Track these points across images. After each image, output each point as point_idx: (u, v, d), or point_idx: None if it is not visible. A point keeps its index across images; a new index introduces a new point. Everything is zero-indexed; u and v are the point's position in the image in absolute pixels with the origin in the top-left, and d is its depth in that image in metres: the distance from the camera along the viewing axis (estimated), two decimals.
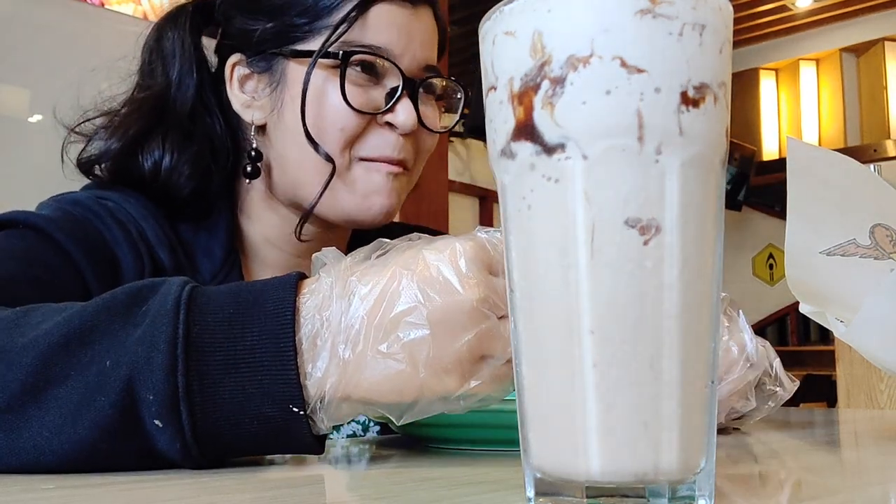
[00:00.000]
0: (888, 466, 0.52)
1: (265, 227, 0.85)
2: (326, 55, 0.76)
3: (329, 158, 0.77)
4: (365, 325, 0.46)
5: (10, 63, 1.94)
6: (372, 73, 0.78)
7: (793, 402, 0.75)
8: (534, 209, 0.33)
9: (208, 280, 0.79)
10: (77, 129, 0.81)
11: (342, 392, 0.46)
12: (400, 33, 0.79)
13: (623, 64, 0.31)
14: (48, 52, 1.95)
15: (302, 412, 0.46)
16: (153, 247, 0.76)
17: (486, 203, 5.16)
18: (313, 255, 0.52)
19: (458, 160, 5.03)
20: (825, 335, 5.40)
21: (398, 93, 0.78)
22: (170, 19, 0.85)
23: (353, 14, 0.76)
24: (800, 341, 5.82)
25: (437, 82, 0.84)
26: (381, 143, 0.79)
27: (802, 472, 0.49)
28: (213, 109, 0.84)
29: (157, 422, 0.46)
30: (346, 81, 0.76)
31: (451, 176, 3.73)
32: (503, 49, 0.34)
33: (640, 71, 0.31)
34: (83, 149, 0.81)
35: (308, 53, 0.77)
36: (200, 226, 0.82)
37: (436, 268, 0.47)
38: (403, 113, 0.78)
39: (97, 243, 0.73)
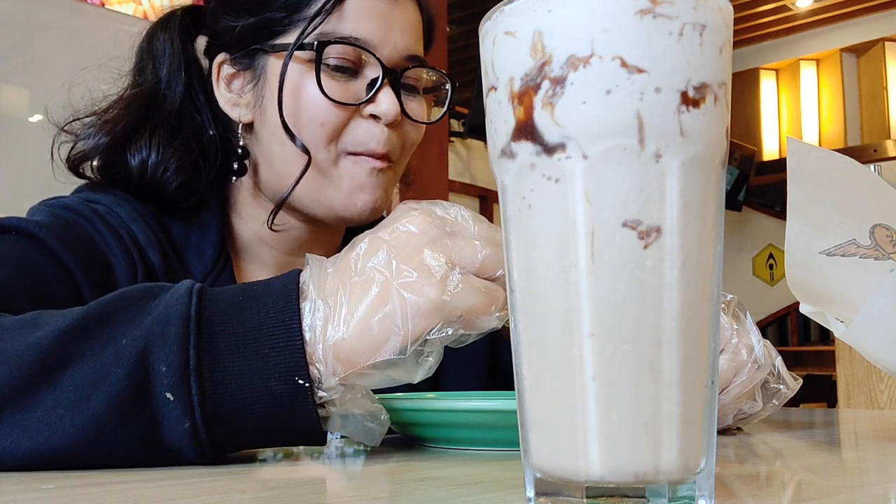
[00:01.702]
0: (888, 466, 0.52)
1: (256, 226, 0.86)
2: (301, 47, 0.77)
3: (305, 150, 0.78)
4: (336, 274, 0.51)
5: (10, 63, 1.94)
6: (350, 64, 0.78)
7: (793, 402, 0.75)
8: (534, 209, 0.33)
9: (199, 279, 0.80)
10: (66, 129, 0.82)
11: (334, 337, 0.48)
12: (378, 23, 0.78)
13: (623, 64, 0.31)
14: (48, 52, 1.95)
15: (307, 384, 0.48)
16: (143, 249, 0.77)
17: (487, 203, 5.16)
18: (306, 255, 0.54)
19: (458, 160, 5.04)
20: (825, 335, 5.40)
21: (379, 82, 0.78)
22: (161, 23, 0.86)
23: (329, 5, 0.77)
24: (800, 341, 5.83)
25: (421, 72, 0.84)
26: (365, 136, 0.79)
27: (803, 473, 0.49)
28: (203, 109, 0.85)
29: (168, 395, 0.47)
30: (323, 73, 0.76)
31: (452, 176, 3.74)
32: (503, 49, 0.34)
33: (640, 71, 0.31)
34: (73, 146, 0.82)
35: (285, 47, 0.77)
36: (192, 225, 0.82)
37: (383, 222, 0.54)
38: (386, 102, 0.78)
39: (89, 248, 0.73)
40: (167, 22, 0.86)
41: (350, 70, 0.78)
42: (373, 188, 0.80)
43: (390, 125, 0.79)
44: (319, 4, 0.77)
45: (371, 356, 0.49)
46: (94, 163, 0.82)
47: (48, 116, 0.82)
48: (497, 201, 0.37)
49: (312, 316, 0.49)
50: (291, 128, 0.77)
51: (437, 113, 0.88)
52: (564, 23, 0.32)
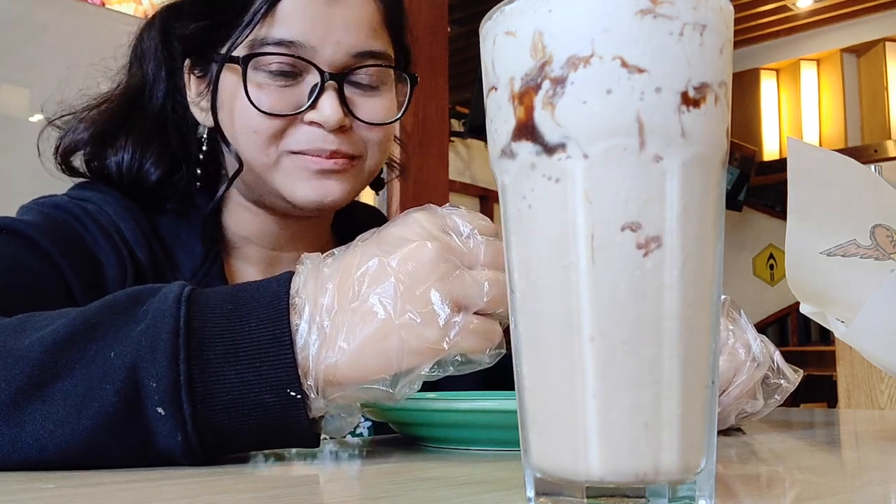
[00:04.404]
0: (888, 466, 0.52)
1: (240, 224, 0.85)
2: (232, 59, 0.74)
3: (239, 159, 0.76)
4: (336, 293, 0.49)
5: (10, 63, 1.94)
6: (288, 69, 0.74)
7: (793, 402, 0.75)
8: (534, 209, 0.33)
9: (189, 276, 0.79)
10: (57, 123, 0.83)
11: (327, 361, 0.48)
12: (315, 24, 0.73)
13: (623, 64, 0.31)
14: (48, 52, 1.95)
15: (299, 395, 0.48)
16: (131, 246, 0.77)
17: (487, 203, 5.16)
18: (302, 255, 0.53)
19: (458, 160, 5.04)
20: (826, 335, 5.40)
21: (318, 88, 0.74)
22: (148, 22, 0.86)
23: (262, 10, 0.73)
24: (800, 341, 5.83)
25: (373, 70, 0.77)
26: (307, 138, 0.75)
27: (803, 473, 0.49)
28: (186, 111, 0.84)
29: (159, 409, 0.47)
30: (259, 82, 0.74)
31: (452, 176, 3.73)
32: (504, 49, 0.34)
33: (640, 71, 0.31)
34: (60, 138, 0.82)
35: (223, 56, 0.75)
36: (182, 221, 0.82)
37: (390, 232, 0.51)
38: (327, 108, 0.74)
39: (79, 246, 0.73)
40: (152, 22, 0.85)
41: (289, 75, 0.74)
42: (319, 180, 0.76)
43: (338, 131, 0.75)
44: (254, 8, 0.73)
45: (360, 382, 0.49)
46: (83, 155, 0.82)
47: (43, 113, 0.83)
48: (497, 201, 0.37)
49: (306, 338, 0.48)
50: (228, 135, 0.76)
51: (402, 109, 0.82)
52: (565, 23, 0.32)
